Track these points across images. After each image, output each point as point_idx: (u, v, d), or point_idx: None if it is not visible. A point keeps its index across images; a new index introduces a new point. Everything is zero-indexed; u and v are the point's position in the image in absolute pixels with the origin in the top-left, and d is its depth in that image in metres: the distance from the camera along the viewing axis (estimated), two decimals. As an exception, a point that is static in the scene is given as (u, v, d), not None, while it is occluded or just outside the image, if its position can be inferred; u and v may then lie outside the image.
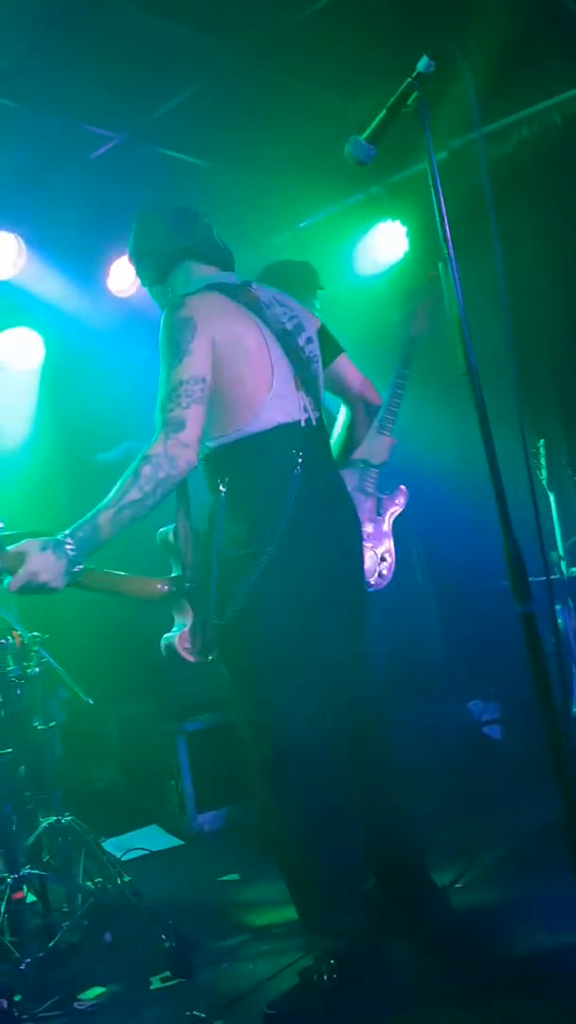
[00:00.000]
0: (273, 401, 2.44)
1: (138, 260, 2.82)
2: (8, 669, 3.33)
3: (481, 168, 2.16)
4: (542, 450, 4.27)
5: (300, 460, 2.43)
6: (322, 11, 3.92)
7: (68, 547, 2.27)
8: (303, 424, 2.49)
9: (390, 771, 2.72)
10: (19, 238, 4.91)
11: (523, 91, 4.67)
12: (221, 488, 2.48)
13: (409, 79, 2.03)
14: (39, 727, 3.34)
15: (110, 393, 5.49)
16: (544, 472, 4.26)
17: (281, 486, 2.43)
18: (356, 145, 2.21)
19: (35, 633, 3.40)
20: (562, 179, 4.77)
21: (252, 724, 2.54)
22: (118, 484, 2.34)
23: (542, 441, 4.29)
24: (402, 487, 3.84)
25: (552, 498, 4.32)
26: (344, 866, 2.47)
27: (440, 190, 1.98)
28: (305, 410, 2.51)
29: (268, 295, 2.65)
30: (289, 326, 2.59)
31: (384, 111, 2.13)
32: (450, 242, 1.96)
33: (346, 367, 2.82)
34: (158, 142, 4.78)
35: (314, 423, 2.55)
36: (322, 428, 2.62)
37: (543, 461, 4.25)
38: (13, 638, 3.38)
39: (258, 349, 2.44)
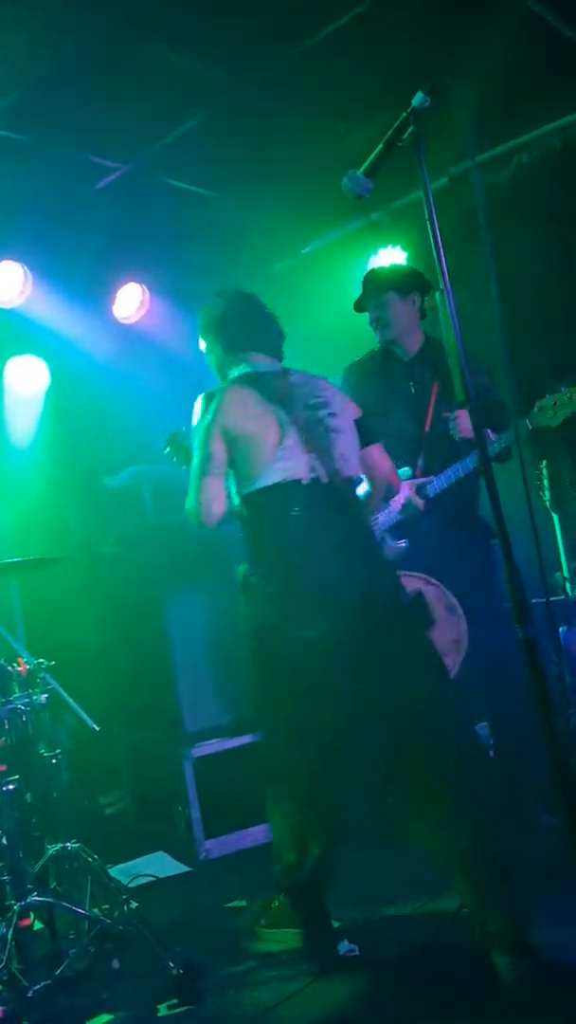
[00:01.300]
0: (277, 463, 2.92)
1: (204, 337, 3.33)
2: (14, 697, 3.34)
3: (477, 196, 2.17)
4: (545, 472, 4.28)
5: (297, 509, 2.89)
6: (324, 41, 3.99)
7: None
8: (306, 481, 2.94)
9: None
10: (25, 267, 4.97)
11: (523, 116, 4.74)
12: (242, 528, 3.04)
13: (405, 114, 2.07)
14: (45, 754, 3.35)
15: (115, 419, 5.54)
16: (547, 493, 4.27)
17: (279, 529, 2.90)
18: (353, 179, 2.24)
19: (41, 660, 3.42)
20: (562, 203, 4.81)
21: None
22: None
23: (544, 462, 4.30)
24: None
25: (556, 519, 4.33)
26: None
27: (436, 222, 2.00)
28: (313, 470, 2.95)
29: (302, 379, 3.14)
30: (312, 401, 3.06)
31: (380, 145, 2.17)
32: (446, 273, 1.98)
33: (376, 455, 3.28)
34: (162, 172, 4.85)
35: (323, 479, 2.97)
36: (332, 484, 2.99)
37: (546, 483, 4.26)
38: (19, 665, 3.39)
39: (266, 429, 2.95)
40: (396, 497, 3.79)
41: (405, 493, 3.80)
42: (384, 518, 3.97)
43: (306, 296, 5.35)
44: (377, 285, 4.02)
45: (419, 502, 3.81)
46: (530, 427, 3.64)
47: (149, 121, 4.42)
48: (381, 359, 4.11)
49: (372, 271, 4.17)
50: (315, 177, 4.63)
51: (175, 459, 3.48)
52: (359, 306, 4.10)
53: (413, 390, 4.00)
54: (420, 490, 3.82)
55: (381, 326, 4.04)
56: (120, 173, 4.77)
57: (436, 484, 3.81)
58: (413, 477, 3.89)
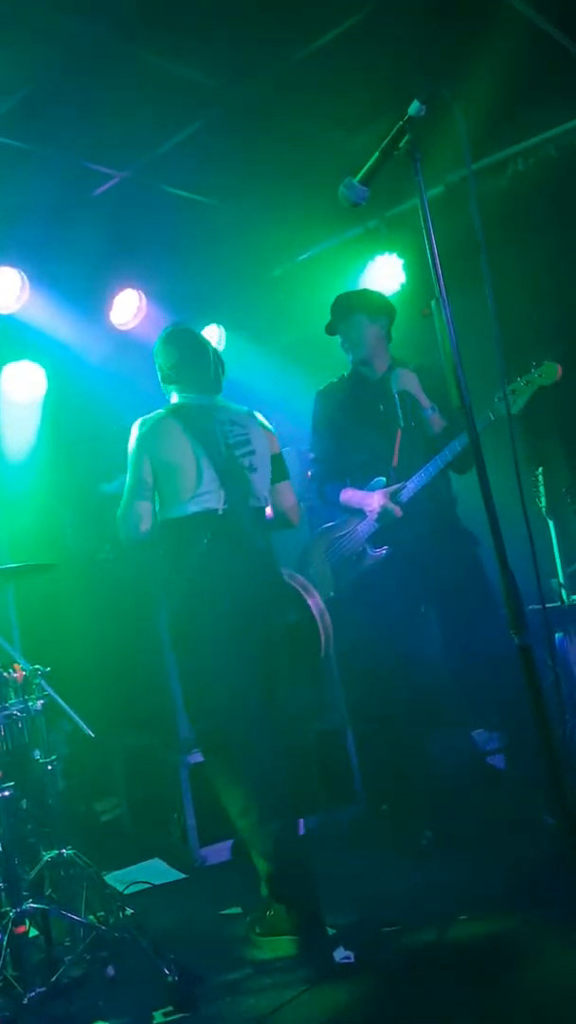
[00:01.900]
0: (195, 497, 3.34)
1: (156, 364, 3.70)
2: (10, 703, 3.34)
3: (474, 204, 2.18)
4: (540, 478, 4.29)
5: (209, 536, 3.30)
6: (321, 49, 3.99)
7: None
8: (220, 511, 3.34)
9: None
10: (23, 273, 4.98)
11: (519, 124, 4.75)
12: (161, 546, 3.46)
13: (401, 122, 2.07)
14: (41, 760, 3.35)
15: (112, 424, 5.54)
16: (543, 500, 4.28)
17: (189, 552, 3.31)
18: (350, 187, 2.25)
19: (37, 666, 3.42)
20: (558, 210, 4.83)
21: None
22: None
23: (540, 469, 4.31)
24: None
25: (552, 525, 4.33)
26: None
27: (432, 231, 2.01)
28: (225, 502, 3.35)
29: (228, 416, 3.51)
30: (231, 440, 3.45)
31: (377, 154, 2.17)
32: (442, 281, 1.99)
33: (283, 492, 3.67)
34: (160, 179, 4.85)
35: (237, 509, 3.36)
36: (242, 513, 3.38)
37: (542, 489, 4.27)
38: (15, 671, 3.39)
39: (188, 463, 3.35)
40: (371, 507, 4.07)
41: (380, 501, 4.04)
42: (363, 528, 4.13)
43: (303, 303, 5.36)
44: (348, 308, 4.23)
45: (394, 508, 4.02)
46: (492, 418, 3.81)
47: (146, 128, 4.42)
48: (350, 382, 4.34)
49: (342, 295, 4.36)
50: (312, 184, 4.64)
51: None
52: (330, 329, 4.29)
53: (381, 408, 4.19)
54: (394, 496, 4.03)
55: (352, 347, 4.24)
56: (117, 180, 4.78)
57: (408, 489, 4.02)
58: (387, 487, 4.09)
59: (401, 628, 4.03)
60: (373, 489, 4.11)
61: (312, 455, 4.48)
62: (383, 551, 4.13)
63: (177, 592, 3.36)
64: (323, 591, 4.00)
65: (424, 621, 4.19)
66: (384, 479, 4.12)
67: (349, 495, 4.22)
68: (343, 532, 4.29)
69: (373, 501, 4.06)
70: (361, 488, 4.18)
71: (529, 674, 1.98)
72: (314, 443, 4.45)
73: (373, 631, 4.07)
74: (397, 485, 4.05)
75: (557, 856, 1.97)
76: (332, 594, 4.21)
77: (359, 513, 4.17)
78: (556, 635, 4.23)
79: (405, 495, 4.02)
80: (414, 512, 4.02)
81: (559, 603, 4.31)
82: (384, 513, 4.03)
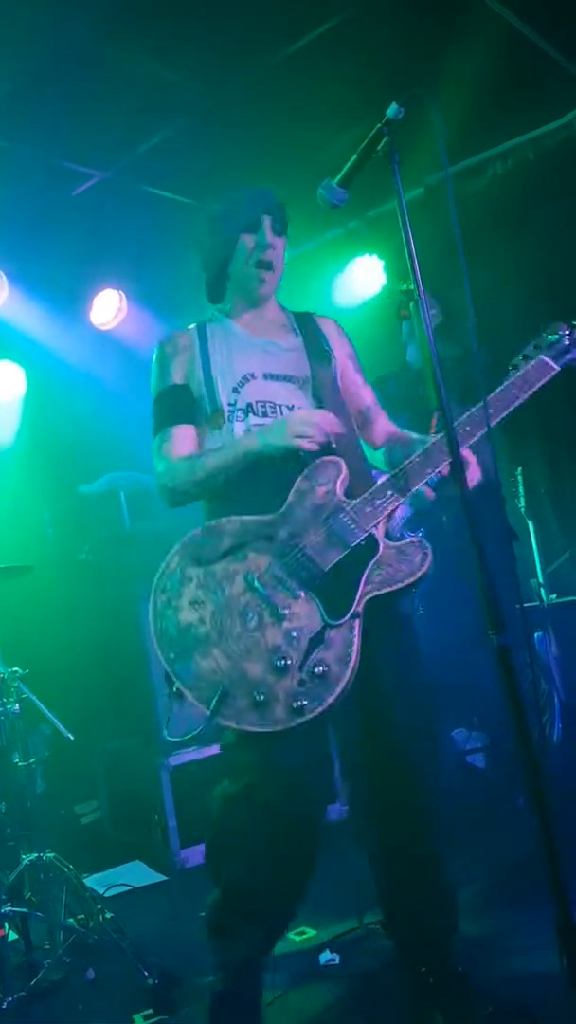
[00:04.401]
0: None
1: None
2: (-11, 705, 3.32)
3: (457, 204, 2.19)
4: (520, 479, 4.31)
5: None
6: (301, 51, 4.00)
7: None
8: None
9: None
10: (2, 273, 4.95)
11: (497, 127, 4.77)
12: None
13: (379, 125, 2.08)
14: (20, 763, 3.33)
15: (92, 426, 5.52)
16: (522, 500, 4.30)
17: None
18: (328, 189, 2.26)
19: (15, 669, 3.40)
20: (536, 212, 4.86)
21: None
22: None
23: (520, 470, 4.34)
24: None
25: (531, 526, 4.36)
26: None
27: (411, 234, 2.01)
28: None
29: None
30: None
31: (355, 156, 2.18)
32: (420, 283, 1.99)
33: None
34: (140, 179, 4.84)
35: None
36: None
37: (521, 490, 4.29)
38: (-6, 673, 3.37)
39: None
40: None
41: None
42: (401, 512, 3.91)
43: (284, 304, 5.35)
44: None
45: (426, 491, 3.81)
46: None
47: (126, 128, 4.41)
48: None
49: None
50: (292, 185, 4.61)
51: None
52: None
53: (419, 390, 4.03)
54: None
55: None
56: (97, 180, 4.77)
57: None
58: None
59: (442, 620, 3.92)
60: None
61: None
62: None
63: None
64: None
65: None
66: None
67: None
68: None
69: None
70: None
71: (507, 674, 1.98)
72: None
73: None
74: None
75: (534, 857, 1.97)
76: None
77: None
78: (535, 635, 4.26)
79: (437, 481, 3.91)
80: (450, 495, 3.85)
81: (537, 603, 4.34)
82: (417, 496, 3.87)
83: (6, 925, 3.02)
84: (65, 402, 5.58)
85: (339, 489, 2.42)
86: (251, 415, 2.51)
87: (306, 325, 2.78)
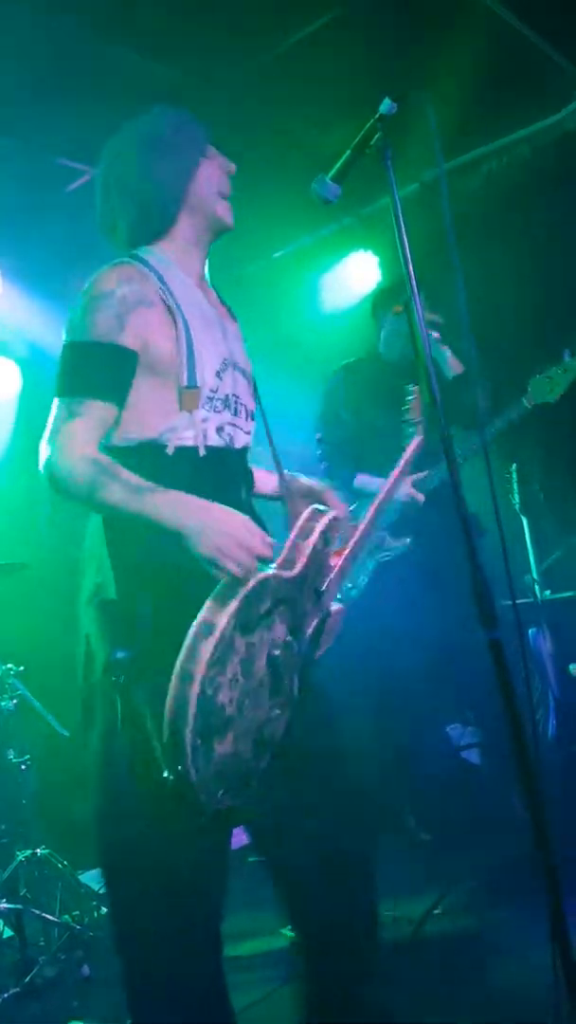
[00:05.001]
0: None
1: None
2: (-17, 702, 3.32)
3: (452, 201, 2.19)
4: (514, 475, 4.31)
5: None
6: (296, 47, 4.00)
7: None
8: None
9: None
10: (-4, 269, 4.95)
11: (492, 124, 4.77)
12: None
13: (372, 120, 2.07)
14: (14, 760, 3.33)
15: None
16: (516, 497, 4.30)
17: None
18: (322, 184, 2.25)
19: (10, 665, 3.40)
20: (530, 209, 4.86)
21: None
22: None
23: (514, 466, 4.33)
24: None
25: (525, 522, 4.36)
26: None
27: (404, 230, 2.01)
28: None
29: None
30: None
31: (349, 151, 2.17)
32: (414, 280, 1.99)
33: None
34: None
35: None
36: None
37: (515, 486, 4.29)
38: (-12, 670, 3.37)
39: None
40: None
41: (403, 489, 3.79)
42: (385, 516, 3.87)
43: (277, 300, 5.36)
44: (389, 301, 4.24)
45: (417, 496, 3.85)
46: (529, 405, 3.81)
47: (119, 124, 4.40)
48: (374, 365, 4.29)
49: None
50: (286, 182, 4.63)
51: None
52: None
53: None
54: (417, 484, 3.87)
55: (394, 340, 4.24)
56: (91, 176, 4.75)
57: (432, 476, 3.88)
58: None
59: (421, 623, 3.87)
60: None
61: (320, 436, 4.32)
62: (405, 542, 4.00)
63: None
64: None
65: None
66: None
67: (366, 480, 4.00)
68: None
69: None
70: (378, 474, 3.93)
71: (500, 669, 1.98)
72: (325, 424, 4.30)
73: (389, 623, 3.86)
74: (420, 474, 3.86)
75: (527, 853, 1.98)
76: (348, 585, 3.96)
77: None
78: (529, 631, 4.26)
79: (429, 483, 3.86)
80: (439, 501, 3.80)
81: (533, 599, 4.34)
82: (409, 503, 3.85)
83: (1, 922, 3.02)
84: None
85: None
86: (227, 410, 2.10)
87: (228, 305, 2.36)
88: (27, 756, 3.37)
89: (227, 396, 2.11)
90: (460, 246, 2.09)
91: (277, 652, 1.88)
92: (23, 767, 3.37)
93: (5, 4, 3.46)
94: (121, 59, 3.91)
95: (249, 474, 2.20)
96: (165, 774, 1.71)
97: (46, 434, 2.02)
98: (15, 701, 3.38)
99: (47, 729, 3.68)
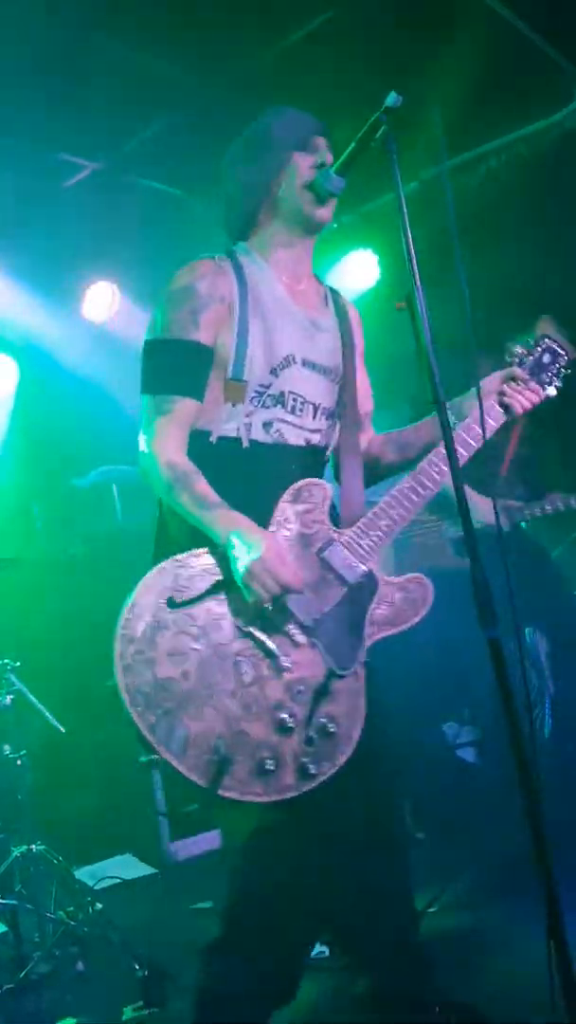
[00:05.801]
0: None
1: None
2: (-21, 697, 3.31)
3: (448, 200, 2.19)
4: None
5: None
6: (295, 45, 4.00)
7: None
8: None
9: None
10: (-7, 264, 4.93)
11: (492, 123, 4.77)
12: None
13: (377, 113, 2.07)
14: (11, 755, 3.32)
15: (84, 419, 5.50)
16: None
17: None
18: (326, 177, 2.25)
19: (7, 661, 3.39)
20: (529, 208, 4.86)
21: None
22: None
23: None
24: None
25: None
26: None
27: (408, 225, 2.01)
28: None
29: None
30: None
31: (353, 144, 2.17)
32: (417, 275, 1.99)
33: None
34: (133, 170, 4.83)
35: None
36: None
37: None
38: (-15, 666, 3.37)
39: None
40: None
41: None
42: None
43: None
44: None
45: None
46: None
47: (119, 120, 4.40)
48: None
49: None
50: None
51: None
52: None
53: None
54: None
55: None
56: (90, 171, 4.75)
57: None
58: None
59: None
60: None
61: None
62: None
63: None
64: None
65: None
66: None
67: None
68: None
69: None
70: None
71: (498, 668, 1.98)
72: None
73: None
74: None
75: (523, 851, 1.98)
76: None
77: None
78: (526, 630, 4.26)
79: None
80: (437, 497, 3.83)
81: (530, 598, 4.34)
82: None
83: (-4, 917, 3.02)
84: (57, 395, 5.55)
85: (327, 516, 2.14)
86: (280, 407, 2.15)
87: (339, 304, 2.42)
88: (23, 752, 3.37)
89: (282, 392, 2.16)
90: (459, 244, 2.09)
91: (247, 623, 2.00)
92: (19, 763, 3.37)
93: (5, 0, 3.45)
94: (121, 56, 3.90)
95: (311, 473, 2.18)
96: (142, 759, 1.84)
97: (141, 424, 2.16)
98: (11, 696, 3.37)
99: (43, 725, 3.68)
